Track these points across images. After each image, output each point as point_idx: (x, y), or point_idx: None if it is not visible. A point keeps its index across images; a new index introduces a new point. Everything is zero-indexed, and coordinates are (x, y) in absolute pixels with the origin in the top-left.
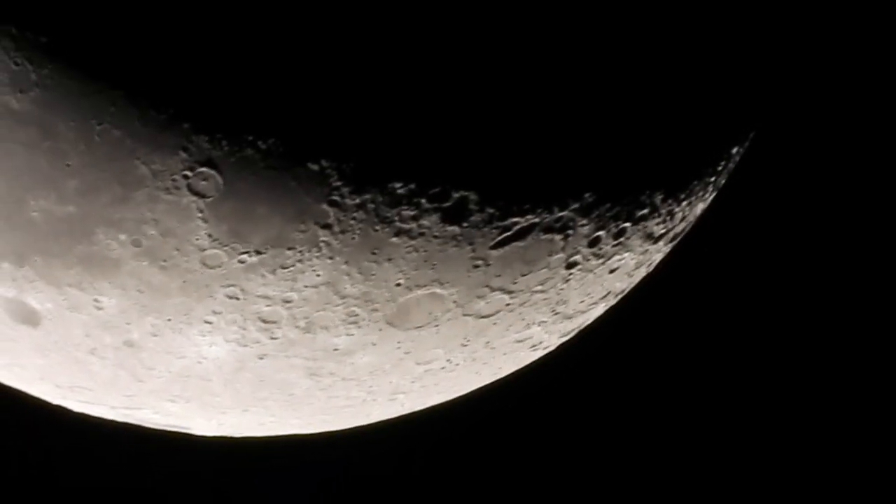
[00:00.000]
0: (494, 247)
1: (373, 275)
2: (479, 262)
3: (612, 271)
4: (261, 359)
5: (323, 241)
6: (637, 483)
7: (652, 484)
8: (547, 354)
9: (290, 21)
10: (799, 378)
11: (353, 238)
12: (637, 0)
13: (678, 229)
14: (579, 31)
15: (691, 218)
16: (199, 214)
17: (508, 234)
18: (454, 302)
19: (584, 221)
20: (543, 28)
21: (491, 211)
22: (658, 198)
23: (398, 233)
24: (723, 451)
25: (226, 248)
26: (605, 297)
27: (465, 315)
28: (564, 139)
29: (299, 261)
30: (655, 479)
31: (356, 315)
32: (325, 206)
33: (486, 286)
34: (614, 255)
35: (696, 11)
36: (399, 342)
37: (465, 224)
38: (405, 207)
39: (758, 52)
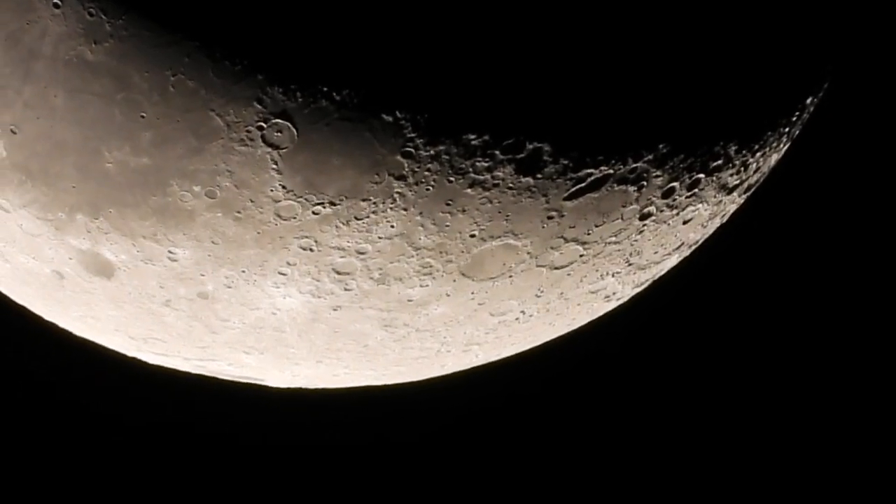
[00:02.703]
0: (568, 198)
1: (447, 226)
2: (553, 214)
3: (685, 222)
4: (335, 310)
5: (397, 193)
6: (713, 436)
7: (727, 438)
8: (620, 305)
9: None
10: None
11: (428, 189)
12: None
13: (752, 180)
14: None
15: (765, 169)
16: (274, 166)
17: (582, 185)
18: (528, 253)
19: (658, 172)
20: None
21: (565, 162)
22: (732, 148)
23: (472, 184)
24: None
25: (300, 200)
26: (678, 247)
27: (538, 266)
28: (638, 90)
29: (373, 212)
30: (729, 435)
31: (430, 266)
32: (399, 158)
33: (560, 237)
34: (688, 205)
35: None
36: (473, 293)
37: (539, 175)
38: (479, 159)
39: None
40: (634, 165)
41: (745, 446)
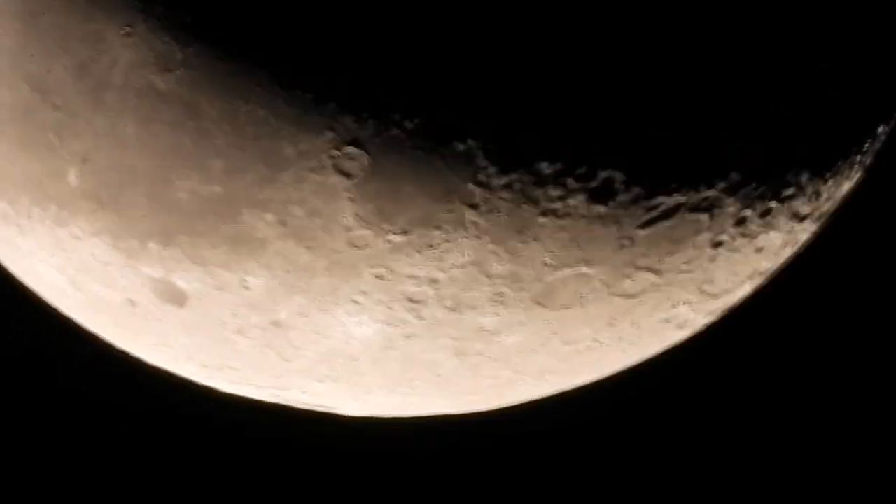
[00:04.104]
0: (641, 226)
1: (520, 254)
2: (626, 242)
3: (758, 250)
4: (408, 338)
5: (470, 221)
6: (787, 461)
7: (804, 462)
8: (693, 334)
9: (434, 7)
10: None
11: (500, 218)
12: None
13: (824, 208)
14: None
15: (838, 197)
16: (346, 194)
17: (655, 213)
18: (601, 281)
19: (731, 200)
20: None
21: (637, 190)
22: (804, 177)
23: (545, 212)
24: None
25: (372, 228)
26: (751, 276)
27: (611, 294)
28: (710, 119)
29: (446, 240)
30: (803, 459)
31: (503, 294)
32: (471, 186)
33: (633, 265)
34: (760, 234)
35: None
36: (546, 321)
37: (611, 203)
38: (552, 187)
39: None
40: (707, 194)
41: (823, 480)
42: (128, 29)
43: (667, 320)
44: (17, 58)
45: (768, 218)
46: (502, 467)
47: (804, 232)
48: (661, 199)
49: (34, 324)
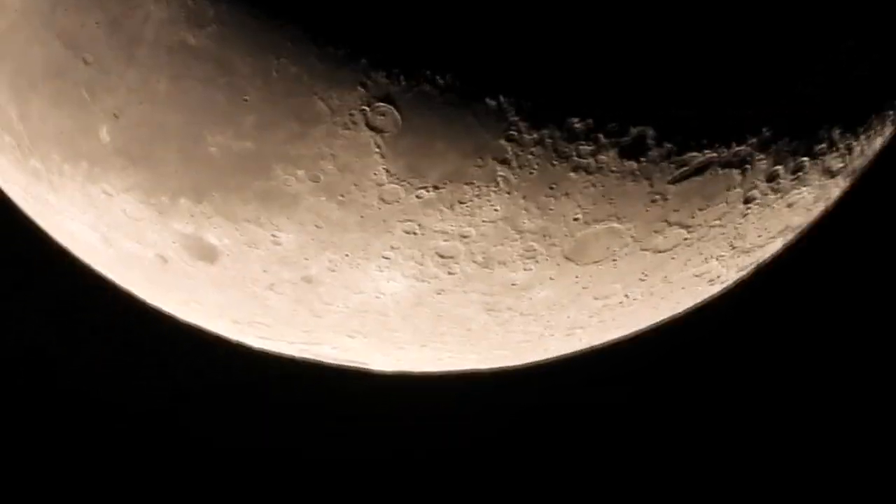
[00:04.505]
0: (672, 182)
1: (550, 210)
2: (657, 198)
3: (789, 206)
4: (439, 294)
5: (500, 176)
6: (815, 422)
7: (831, 425)
8: (724, 289)
9: None
10: None
11: (531, 173)
12: None
13: (857, 164)
14: None
15: (870, 153)
16: (377, 150)
17: (686, 169)
18: (632, 237)
19: (762, 156)
20: None
21: (668, 146)
22: (836, 132)
23: (576, 168)
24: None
25: (403, 184)
26: (782, 231)
27: (642, 250)
28: (742, 74)
29: (477, 196)
30: (835, 425)
31: (534, 250)
32: (502, 142)
33: (664, 221)
34: (792, 189)
35: None
36: (577, 277)
37: (642, 159)
38: (583, 143)
39: None
40: (738, 149)
41: (858, 440)
42: None
43: (698, 275)
44: (49, 14)
45: (800, 174)
46: (532, 422)
47: (836, 188)
48: (692, 154)
49: (66, 281)
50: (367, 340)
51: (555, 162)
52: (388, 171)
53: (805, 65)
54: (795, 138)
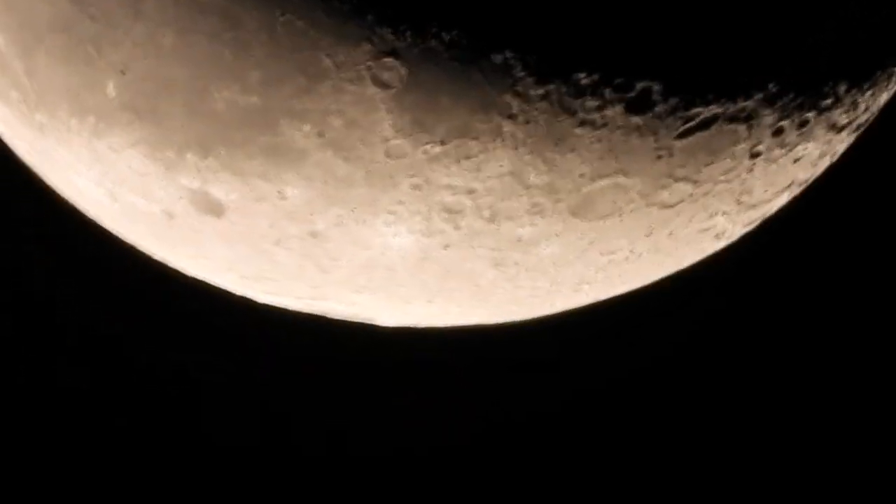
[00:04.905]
0: (678, 137)
1: (556, 165)
2: (663, 153)
3: (795, 161)
4: (445, 249)
5: (507, 132)
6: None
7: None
8: (730, 244)
9: None
10: None
11: (537, 128)
12: None
13: (862, 119)
14: None
15: (875, 108)
16: (383, 105)
17: (692, 124)
18: (638, 192)
19: (768, 111)
20: None
21: (674, 101)
22: (841, 88)
23: (582, 123)
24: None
25: (409, 139)
26: (788, 186)
27: (648, 205)
28: (747, 28)
29: (483, 151)
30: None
31: (540, 205)
32: (508, 97)
33: (670, 176)
34: (798, 144)
35: None
36: (583, 232)
37: (648, 114)
38: (589, 98)
39: None
40: (744, 104)
41: (862, 402)
42: None
43: (704, 230)
44: None
45: (806, 129)
46: (539, 378)
47: (841, 143)
48: (698, 109)
49: (73, 235)
50: (374, 296)
51: (561, 117)
52: (393, 126)
53: (813, 20)
54: (801, 93)
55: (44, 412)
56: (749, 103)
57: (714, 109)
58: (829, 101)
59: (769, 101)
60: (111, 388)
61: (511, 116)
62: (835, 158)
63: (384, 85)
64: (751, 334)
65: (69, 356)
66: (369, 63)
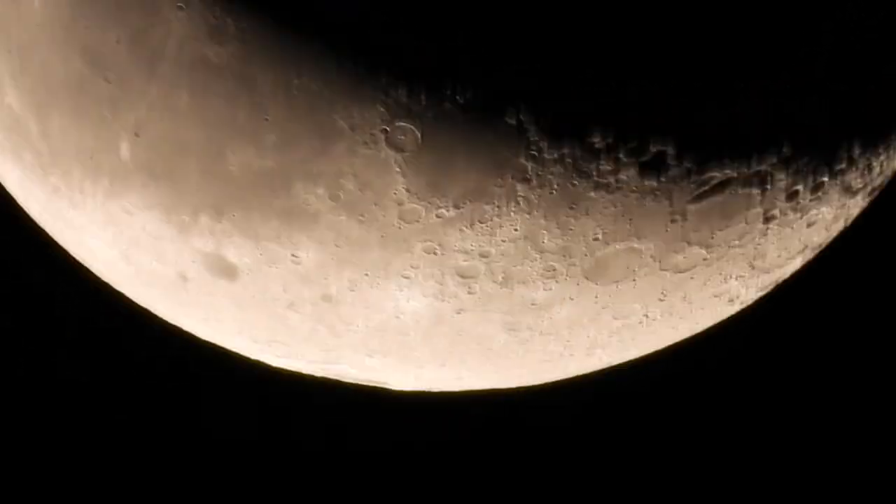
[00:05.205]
0: (692, 200)
1: (570, 229)
2: (677, 217)
3: (809, 225)
4: (458, 313)
5: (521, 195)
6: (832, 441)
7: (848, 445)
8: (743, 308)
9: None
10: None
11: (551, 192)
12: None
13: (876, 183)
14: None
15: (889, 172)
16: (397, 168)
17: (706, 188)
18: (651, 256)
19: (782, 175)
20: None
21: (689, 164)
22: (856, 150)
23: (596, 187)
24: None
25: (423, 203)
26: (802, 250)
27: (662, 269)
28: (762, 92)
29: (497, 215)
30: (852, 444)
31: (554, 269)
32: (523, 160)
33: (684, 240)
34: (812, 208)
35: None
36: (597, 296)
37: (662, 178)
38: (603, 160)
39: None
40: (758, 168)
41: (871, 457)
42: (182, 0)
43: (717, 295)
44: (71, 30)
45: (820, 192)
46: (550, 442)
47: (855, 206)
48: (712, 173)
49: (86, 298)
50: (386, 360)
51: (575, 181)
52: (408, 189)
53: (825, 82)
54: (815, 156)
55: (47, 464)
56: (763, 167)
57: (728, 173)
58: (843, 164)
59: (783, 164)
60: (117, 449)
61: (525, 179)
62: (849, 223)
63: (398, 147)
64: (764, 400)
65: (76, 417)
66: (383, 125)
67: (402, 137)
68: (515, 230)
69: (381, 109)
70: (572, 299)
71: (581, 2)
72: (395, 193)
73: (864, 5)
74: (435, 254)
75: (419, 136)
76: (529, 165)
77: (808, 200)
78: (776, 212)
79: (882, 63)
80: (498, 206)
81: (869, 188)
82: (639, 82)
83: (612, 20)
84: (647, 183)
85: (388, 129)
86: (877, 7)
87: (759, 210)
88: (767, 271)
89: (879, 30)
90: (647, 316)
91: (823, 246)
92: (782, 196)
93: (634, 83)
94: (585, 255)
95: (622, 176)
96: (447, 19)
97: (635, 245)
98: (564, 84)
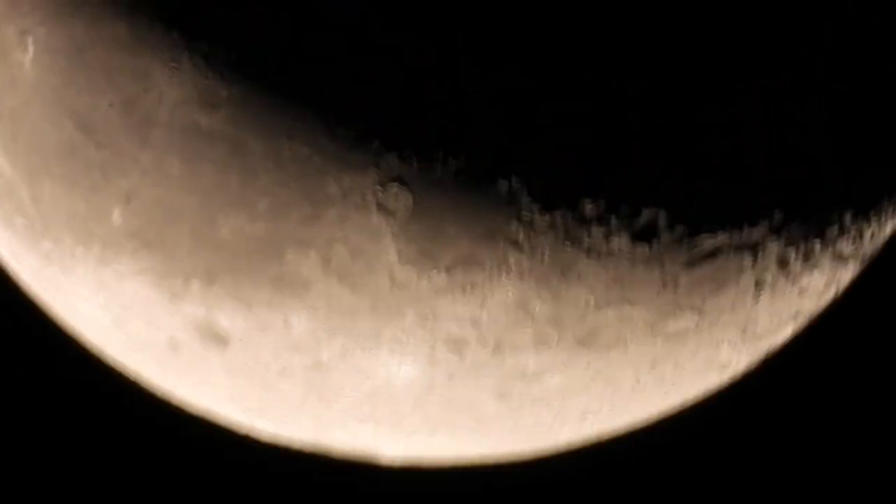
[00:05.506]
0: (684, 267)
1: (562, 295)
2: (669, 283)
3: (801, 291)
4: (449, 380)
5: (512, 261)
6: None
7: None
8: (735, 375)
9: (479, 44)
10: None
11: (543, 257)
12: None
13: (867, 250)
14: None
15: (881, 238)
16: (389, 233)
17: (698, 253)
18: (643, 322)
19: (774, 241)
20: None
21: (681, 230)
22: (848, 217)
23: (588, 252)
24: None
25: (415, 268)
26: (794, 317)
27: (654, 336)
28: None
29: (488, 281)
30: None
31: (545, 336)
32: (514, 226)
33: (676, 306)
34: (803, 275)
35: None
36: (588, 363)
37: (654, 244)
38: (595, 227)
39: None
40: (750, 234)
41: None
42: (173, 65)
43: (709, 362)
44: (63, 95)
45: (812, 258)
46: None
47: (847, 273)
48: (704, 239)
49: (77, 365)
50: (378, 427)
51: (567, 246)
52: (399, 254)
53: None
54: (807, 222)
55: None
56: (754, 233)
57: (720, 239)
58: (834, 231)
59: (775, 231)
60: None
61: (517, 245)
62: (841, 289)
63: (389, 212)
64: (755, 470)
65: (66, 484)
66: (375, 190)
67: (394, 204)
68: (507, 296)
69: (373, 175)
70: (565, 366)
71: (581, 2)
72: (386, 260)
73: (864, 5)
74: (426, 320)
75: (410, 201)
76: (521, 231)
77: (799, 268)
78: (768, 277)
79: (882, 63)
80: (489, 273)
81: (860, 255)
82: (639, 82)
83: (612, 20)
84: (638, 249)
85: (379, 195)
86: (877, 7)
87: (751, 277)
88: (759, 339)
89: (879, 30)
90: (638, 382)
91: (815, 313)
92: (774, 263)
93: (634, 83)
94: (577, 322)
95: (614, 242)
96: (439, 87)
97: (627, 311)
98: (556, 149)
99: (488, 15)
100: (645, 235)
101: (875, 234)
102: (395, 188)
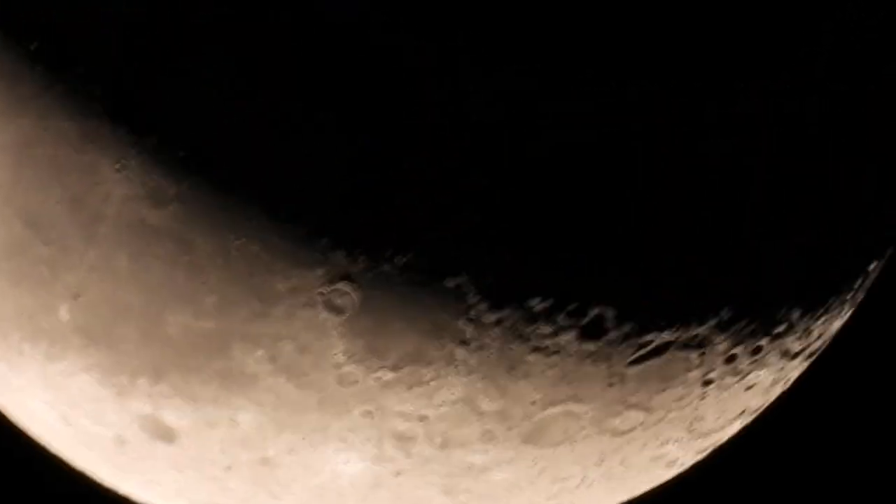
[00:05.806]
0: (631, 364)
1: (509, 392)
2: (615, 380)
3: (748, 388)
4: (396, 476)
5: (459, 358)
6: None
7: None
8: (681, 472)
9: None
10: None
11: (490, 355)
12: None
13: (815, 346)
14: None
15: (828, 335)
16: (335, 331)
17: (645, 351)
18: (590, 419)
19: (721, 338)
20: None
21: (628, 328)
22: (795, 315)
23: (535, 350)
24: None
25: (361, 365)
26: (741, 414)
27: (600, 432)
28: (701, 257)
29: (435, 378)
30: None
31: (492, 432)
32: (461, 323)
33: (622, 403)
34: (750, 372)
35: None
36: (535, 459)
37: (601, 341)
38: (542, 324)
39: None
40: (697, 331)
41: None
42: (121, 162)
43: (656, 458)
44: (10, 192)
45: (759, 356)
46: None
47: (794, 369)
48: (651, 336)
49: (23, 460)
50: None
51: (514, 344)
52: (345, 352)
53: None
54: (754, 320)
55: None
56: (702, 330)
57: (667, 336)
58: (782, 328)
59: (722, 328)
60: None
61: (464, 342)
62: (787, 385)
63: (337, 310)
64: None
65: None
66: (322, 288)
67: (341, 300)
68: (453, 393)
69: (320, 272)
70: (510, 462)
71: (581, 2)
72: (333, 356)
73: (864, 5)
74: (373, 417)
75: (357, 298)
76: (468, 328)
77: (746, 364)
78: (715, 375)
79: (882, 63)
80: (436, 370)
81: (808, 351)
82: (639, 82)
83: (612, 20)
84: (585, 346)
85: (326, 292)
86: (877, 7)
87: (698, 373)
88: (705, 435)
89: (879, 30)
90: (584, 479)
91: (762, 409)
92: (721, 359)
93: (635, 83)
94: (523, 419)
95: (561, 339)
96: (387, 184)
97: (573, 408)
98: (503, 249)
99: (488, 15)
100: (592, 332)
101: (822, 332)
102: (342, 285)
